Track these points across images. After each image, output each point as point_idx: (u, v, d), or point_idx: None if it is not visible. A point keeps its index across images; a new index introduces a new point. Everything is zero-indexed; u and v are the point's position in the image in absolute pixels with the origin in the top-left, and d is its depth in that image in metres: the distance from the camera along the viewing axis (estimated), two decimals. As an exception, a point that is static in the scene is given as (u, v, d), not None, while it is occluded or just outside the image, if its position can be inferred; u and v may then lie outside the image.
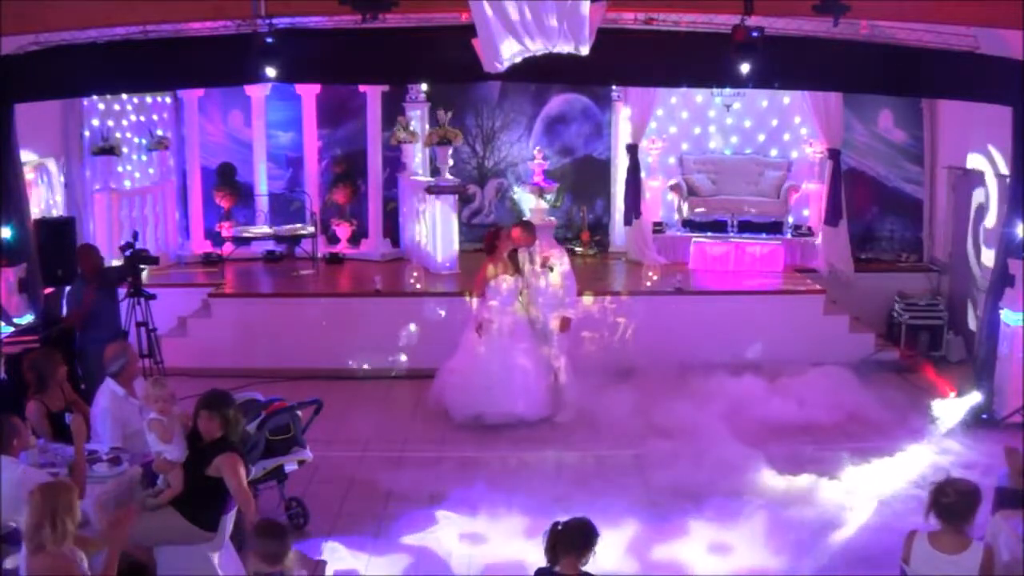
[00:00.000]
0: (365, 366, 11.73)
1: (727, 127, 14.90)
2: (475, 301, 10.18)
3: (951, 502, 5.11)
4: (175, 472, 6.38)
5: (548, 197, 14.29)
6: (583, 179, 15.14)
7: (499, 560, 7.12)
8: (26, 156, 9.90)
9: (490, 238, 10.31)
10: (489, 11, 7.63)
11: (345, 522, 7.78)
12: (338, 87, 14.38)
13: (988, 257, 11.20)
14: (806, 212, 14.47)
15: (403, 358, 11.73)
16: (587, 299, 10.89)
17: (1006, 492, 6.38)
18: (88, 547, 4.99)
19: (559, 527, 5.06)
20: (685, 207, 14.23)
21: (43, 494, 4.76)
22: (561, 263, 10.16)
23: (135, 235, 10.66)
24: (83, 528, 5.35)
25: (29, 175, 10.53)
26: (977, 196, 12.04)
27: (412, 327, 11.73)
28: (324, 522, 7.74)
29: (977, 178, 11.97)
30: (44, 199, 11.47)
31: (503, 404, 9.86)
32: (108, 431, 7.03)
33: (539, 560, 6.97)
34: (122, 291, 9.99)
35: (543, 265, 10.12)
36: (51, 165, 11.71)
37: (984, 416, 9.77)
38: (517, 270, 10.05)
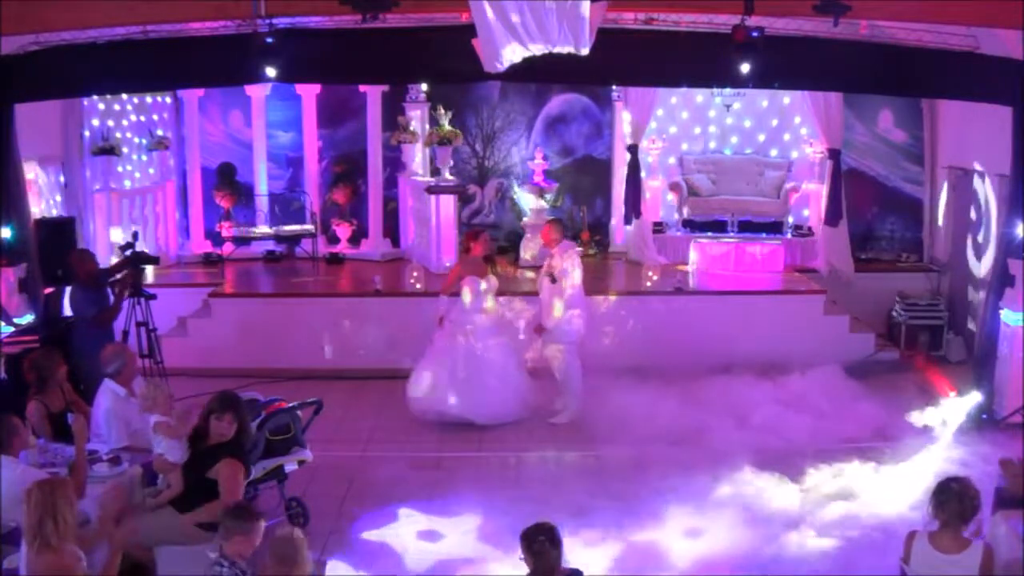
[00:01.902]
0: (365, 366, 11.73)
1: (727, 127, 14.91)
2: (440, 299, 10.20)
3: (951, 502, 5.11)
4: (175, 472, 6.40)
5: (548, 197, 14.29)
6: (583, 179, 15.15)
7: (496, 560, 7.12)
8: (26, 156, 9.89)
9: (467, 239, 10.35)
10: (489, 11, 7.63)
11: (345, 522, 7.78)
12: (338, 87, 14.38)
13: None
14: (806, 212, 14.47)
15: (402, 358, 11.71)
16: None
17: (1006, 492, 6.38)
18: (85, 544, 4.99)
19: (542, 536, 5.06)
20: (685, 207, 14.22)
21: (41, 491, 4.77)
22: (570, 275, 10.08)
23: (135, 235, 10.66)
24: (83, 527, 5.36)
25: (29, 175, 10.53)
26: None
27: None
28: (324, 522, 7.74)
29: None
30: (44, 199, 11.48)
31: (452, 406, 9.86)
32: (114, 432, 7.04)
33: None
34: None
35: (547, 273, 10.13)
36: (51, 165, 11.71)
37: (984, 416, 9.77)
38: (490, 272, 10.05)
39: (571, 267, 10.07)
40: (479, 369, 9.90)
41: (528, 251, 13.78)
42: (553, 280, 10.02)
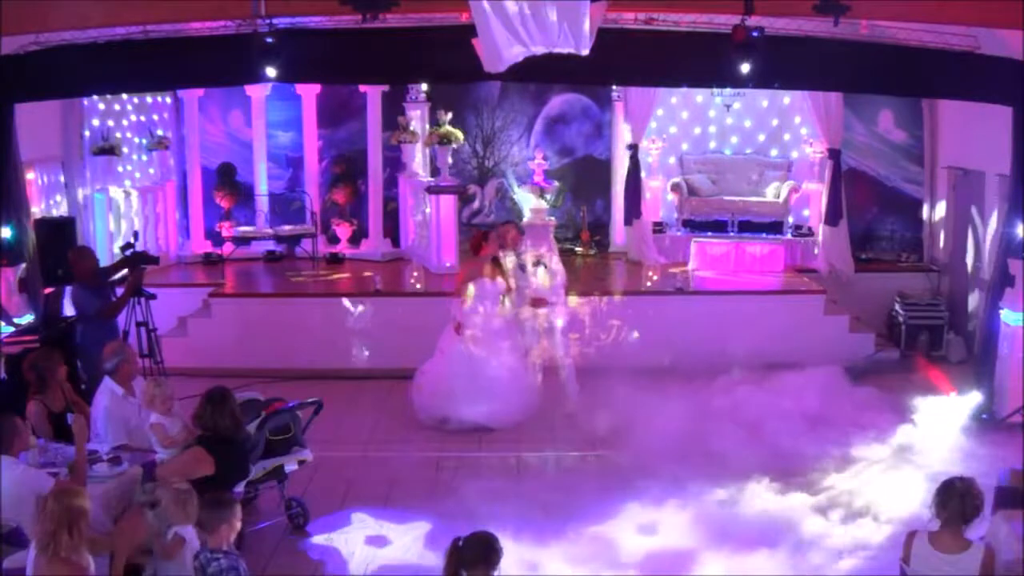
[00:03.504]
0: (365, 366, 11.73)
1: (727, 127, 14.91)
2: (452, 301, 10.13)
3: (953, 501, 5.10)
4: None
5: (548, 197, 14.29)
6: (583, 179, 15.15)
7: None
8: (26, 156, 9.88)
9: (476, 240, 10.25)
10: (489, 11, 7.62)
11: (344, 522, 7.78)
12: (338, 87, 14.38)
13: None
14: (806, 212, 14.47)
15: (402, 358, 11.69)
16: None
17: (1006, 492, 6.38)
18: (94, 548, 4.98)
19: (460, 543, 4.80)
20: (685, 207, 14.22)
21: (57, 500, 4.74)
22: (552, 261, 10.14)
23: (135, 235, 10.66)
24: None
25: (29, 175, 10.52)
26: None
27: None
28: (324, 522, 7.75)
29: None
30: (44, 199, 11.48)
31: (470, 411, 9.78)
32: (111, 431, 7.04)
33: (537, 560, 7.04)
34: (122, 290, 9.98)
35: (536, 264, 10.10)
36: (51, 165, 11.71)
37: (984, 416, 9.77)
38: (500, 274, 9.97)
39: (553, 253, 10.21)
40: (493, 374, 9.81)
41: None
42: (544, 266, 10.01)
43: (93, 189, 12.59)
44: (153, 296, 10.15)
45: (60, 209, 11.85)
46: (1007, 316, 9.80)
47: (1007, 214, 9.99)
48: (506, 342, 9.97)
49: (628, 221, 14.24)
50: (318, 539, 7.48)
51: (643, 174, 14.17)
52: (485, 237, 10.19)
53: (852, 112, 14.07)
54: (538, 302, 10.13)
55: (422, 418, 9.96)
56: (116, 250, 11.72)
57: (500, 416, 9.84)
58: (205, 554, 5.25)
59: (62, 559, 4.67)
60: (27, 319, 9.43)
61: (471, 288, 9.91)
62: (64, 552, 4.66)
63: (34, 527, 4.82)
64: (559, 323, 10.22)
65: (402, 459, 9.09)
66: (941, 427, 9.43)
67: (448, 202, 13.27)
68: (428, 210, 13.49)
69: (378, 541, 7.46)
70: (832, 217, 13.53)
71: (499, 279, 9.97)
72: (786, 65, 9.35)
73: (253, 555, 6.84)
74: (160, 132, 14.09)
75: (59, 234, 10.56)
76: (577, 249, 14.60)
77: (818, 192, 14.02)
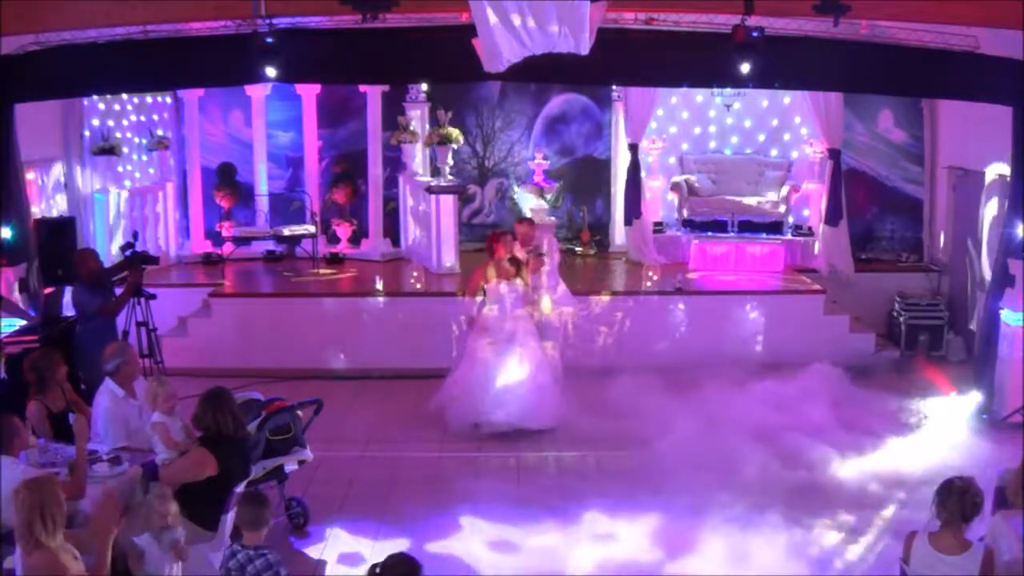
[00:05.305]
0: (365, 366, 11.73)
1: (727, 127, 14.91)
2: (466, 300, 10.07)
3: (952, 500, 5.10)
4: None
5: (548, 197, 14.29)
6: (583, 179, 15.15)
7: (495, 561, 7.12)
8: (26, 156, 9.89)
9: (491, 240, 10.14)
10: (489, 11, 7.64)
11: (345, 522, 7.78)
12: (338, 87, 14.39)
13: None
14: (806, 212, 14.47)
15: (402, 358, 11.71)
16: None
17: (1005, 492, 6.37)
18: (83, 545, 4.97)
19: (377, 570, 4.61)
20: (685, 207, 14.23)
21: (28, 490, 4.73)
22: (548, 254, 10.12)
23: (135, 235, 10.66)
24: (84, 527, 5.34)
25: (29, 175, 10.53)
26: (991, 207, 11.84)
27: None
28: (324, 522, 7.75)
29: (995, 187, 11.73)
30: (44, 199, 11.48)
31: (503, 415, 9.70)
32: (111, 433, 7.03)
33: (534, 562, 7.04)
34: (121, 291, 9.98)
35: (535, 253, 10.06)
36: (51, 165, 11.72)
37: (984, 416, 9.77)
38: (517, 274, 9.88)
39: (555, 249, 10.18)
40: (520, 375, 9.73)
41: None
42: (540, 255, 10.01)
43: (93, 189, 12.60)
44: (153, 296, 10.15)
45: (60, 209, 11.85)
46: (1007, 316, 9.80)
47: (1007, 214, 9.99)
48: (531, 341, 9.88)
49: (628, 221, 14.24)
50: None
51: (643, 174, 14.17)
52: (499, 238, 10.01)
53: (852, 112, 14.07)
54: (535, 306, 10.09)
55: (454, 427, 9.81)
56: (115, 250, 11.77)
57: (533, 416, 9.74)
58: (247, 552, 5.22)
59: (41, 548, 4.64)
60: (27, 319, 9.43)
61: (492, 292, 9.79)
62: (44, 540, 4.64)
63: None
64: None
65: (402, 459, 9.09)
66: (941, 427, 9.44)
67: (448, 202, 13.27)
68: (424, 208, 13.49)
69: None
70: (832, 217, 13.53)
71: (517, 280, 9.84)
72: (786, 65, 9.37)
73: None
74: (160, 132, 14.09)
75: (59, 234, 10.56)
76: (577, 249, 14.60)
77: (818, 192, 14.02)
